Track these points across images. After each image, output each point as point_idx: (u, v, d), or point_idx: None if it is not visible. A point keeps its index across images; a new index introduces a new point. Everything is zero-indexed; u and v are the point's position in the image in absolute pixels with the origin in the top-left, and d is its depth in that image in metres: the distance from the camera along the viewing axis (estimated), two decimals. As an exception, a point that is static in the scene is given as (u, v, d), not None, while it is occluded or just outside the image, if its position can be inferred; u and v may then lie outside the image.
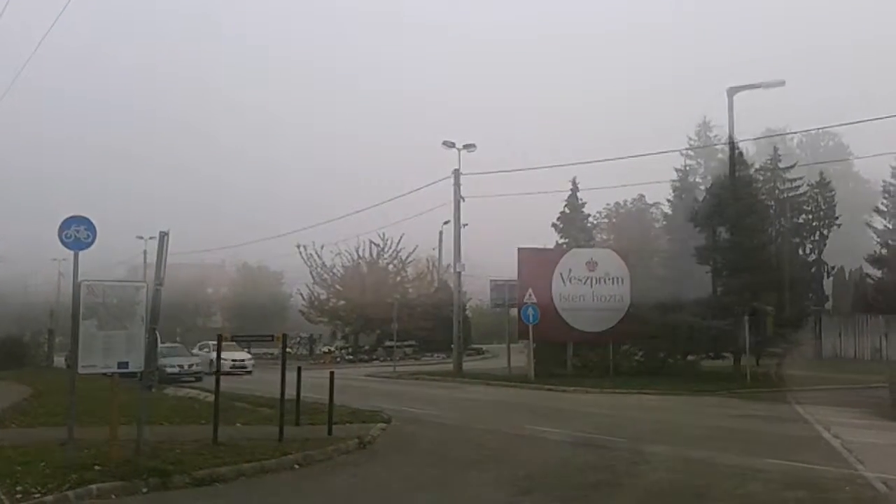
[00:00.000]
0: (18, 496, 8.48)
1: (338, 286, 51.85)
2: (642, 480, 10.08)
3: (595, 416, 17.43)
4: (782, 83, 27.53)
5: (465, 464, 11.42)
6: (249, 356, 34.43)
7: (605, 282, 29.90)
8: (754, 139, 47.20)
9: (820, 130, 59.69)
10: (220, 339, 15.19)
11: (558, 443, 13.41)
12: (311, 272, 51.86)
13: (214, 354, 32.74)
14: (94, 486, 8.93)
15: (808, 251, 50.50)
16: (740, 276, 26.88)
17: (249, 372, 32.44)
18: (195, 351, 34.66)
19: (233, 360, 32.41)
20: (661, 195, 62.13)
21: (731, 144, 29.21)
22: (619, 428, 15.13)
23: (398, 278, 51.90)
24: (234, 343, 31.00)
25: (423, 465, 11.46)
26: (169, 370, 28.33)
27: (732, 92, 27.22)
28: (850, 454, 11.57)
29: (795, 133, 55.83)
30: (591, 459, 11.60)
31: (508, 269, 32.24)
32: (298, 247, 50.37)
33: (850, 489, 9.31)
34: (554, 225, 53.69)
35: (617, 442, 13.13)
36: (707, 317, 26.29)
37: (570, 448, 12.84)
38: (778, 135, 49.43)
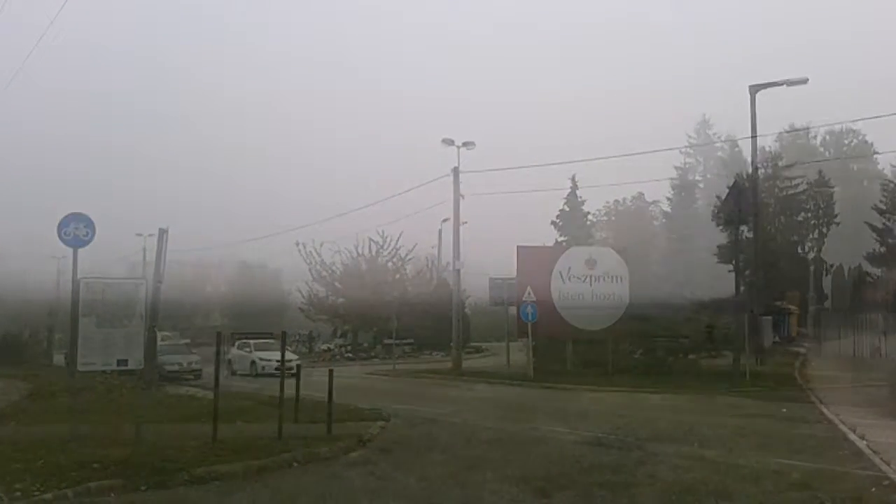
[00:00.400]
0: (17, 494, 8.44)
1: (337, 284, 51.74)
2: (658, 480, 9.90)
3: (595, 415, 17.30)
4: (805, 80, 27.06)
5: (473, 462, 11.24)
6: (296, 356, 30.80)
7: (604, 280, 29.82)
8: (776, 134, 47.09)
9: (843, 128, 59.48)
10: (219, 336, 15.12)
11: (566, 442, 13.25)
12: (310, 270, 51.75)
13: (256, 354, 32.27)
14: (93, 484, 8.90)
15: (807, 249, 50.53)
16: (764, 275, 26.59)
17: (295, 374, 30.63)
18: (234, 350, 33.48)
19: (276, 361, 31.16)
20: (659, 193, 62.29)
21: (754, 142, 28.74)
22: (627, 427, 14.93)
23: (397, 276, 51.80)
24: (274, 342, 30.05)
25: (427, 464, 11.27)
26: (168, 368, 28.24)
27: (754, 90, 26.77)
28: (875, 455, 11.39)
29: (815, 127, 55.08)
30: (602, 458, 11.46)
31: (507, 267, 32.19)
32: (297, 244, 50.31)
33: (875, 490, 9.20)
34: (553, 223, 53.41)
35: (627, 441, 13.02)
36: (722, 315, 26.08)
37: (579, 447, 12.66)
38: (798, 130, 49.20)
